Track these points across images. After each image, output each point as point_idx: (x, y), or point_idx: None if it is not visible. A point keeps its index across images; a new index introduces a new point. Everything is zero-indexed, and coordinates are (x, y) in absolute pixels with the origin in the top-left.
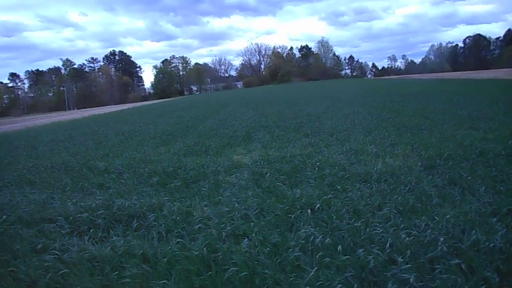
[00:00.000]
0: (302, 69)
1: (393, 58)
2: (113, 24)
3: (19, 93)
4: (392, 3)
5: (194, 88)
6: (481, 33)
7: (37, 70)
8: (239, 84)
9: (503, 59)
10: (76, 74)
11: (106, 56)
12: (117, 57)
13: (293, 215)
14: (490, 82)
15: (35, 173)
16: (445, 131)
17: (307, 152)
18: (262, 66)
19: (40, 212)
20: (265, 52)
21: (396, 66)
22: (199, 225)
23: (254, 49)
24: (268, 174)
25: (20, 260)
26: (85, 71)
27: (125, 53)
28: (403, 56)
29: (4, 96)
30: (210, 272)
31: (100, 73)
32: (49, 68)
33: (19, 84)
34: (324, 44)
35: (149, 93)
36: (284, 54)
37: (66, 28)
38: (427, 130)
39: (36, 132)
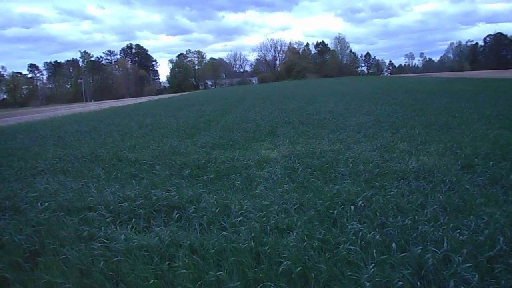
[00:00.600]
0: (317, 66)
1: (411, 56)
2: (130, 18)
3: (38, 84)
4: (410, 0)
5: (209, 82)
6: (501, 31)
7: (56, 61)
8: (254, 80)
9: None
10: (94, 66)
11: (123, 49)
12: (133, 51)
13: (335, 211)
14: None
15: (66, 162)
16: (476, 130)
17: (336, 148)
18: (277, 62)
19: (79, 201)
20: (280, 48)
21: (413, 64)
22: (240, 218)
23: (270, 44)
24: (300, 169)
25: (68, 247)
26: (102, 63)
27: (142, 47)
28: (421, 54)
29: (23, 87)
30: (263, 265)
31: (117, 66)
32: (67, 60)
33: (38, 75)
34: (340, 40)
35: (164, 87)
36: (300, 50)
37: (84, 21)
38: (457, 129)
39: (59, 122)
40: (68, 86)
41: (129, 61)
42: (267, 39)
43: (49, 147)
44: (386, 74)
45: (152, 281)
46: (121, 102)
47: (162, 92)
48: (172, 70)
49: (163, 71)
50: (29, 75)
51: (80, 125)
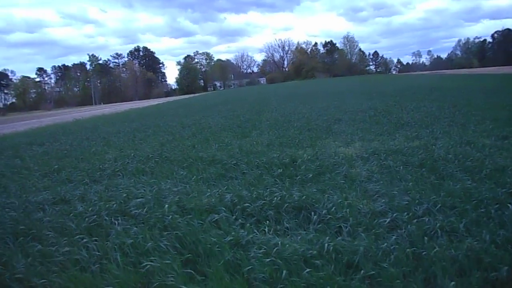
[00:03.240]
0: (327, 65)
1: (418, 54)
2: (132, 21)
3: (46, 87)
4: None
5: (218, 84)
6: (509, 28)
7: (63, 65)
8: (262, 80)
9: None
10: (101, 69)
11: (130, 52)
12: (141, 53)
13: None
14: None
15: (136, 162)
16: None
17: (415, 145)
18: (286, 62)
19: (189, 202)
20: (288, 48)
21: (420, 62)
22: (380, 219)
23: (278, 44)
24: (401, 167)
25: (227, 254)
26: (110, 66)
27: (149, 49)
28: (428, 52)
29: (31, 91)
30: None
31: (124, 69)
32: (74, 64)
33: (46, 79)
34: (349, 39)
35: (171, 88)
36: (308, 50)
37: (86, 25)
38: None
39: (90, 124)
40: (76, 90)
41: (137, 64)
42: (275, 39)
43: (99, 147)
44: (394, 72)
45: None
46: (133, 104)
47: (170, 94)
48: (180, 72)
49: (170, 74)
50: (37, 79)
51: (114, 126)
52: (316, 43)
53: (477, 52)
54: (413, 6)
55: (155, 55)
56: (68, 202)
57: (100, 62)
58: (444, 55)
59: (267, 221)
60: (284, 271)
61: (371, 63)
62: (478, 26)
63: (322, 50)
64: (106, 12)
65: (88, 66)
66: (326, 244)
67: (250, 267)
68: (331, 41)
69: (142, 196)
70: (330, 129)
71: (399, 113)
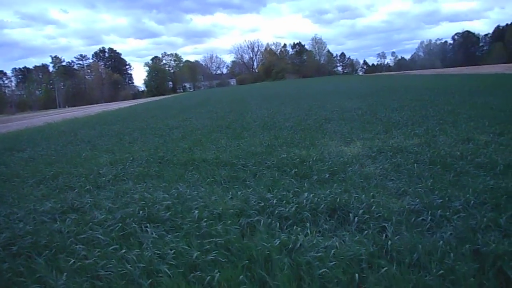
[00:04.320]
0: (296, 66)
1: (383, 55)
2: (95, 22)
3: (6, 91)
4: (375, 0)
5: (187, 85)
6: (466, 30)
7: (25, 67)
8: (232, 81)
9: (492, 55)
10: (65, 71)
11: (95, 53)
12: (106, 54)
13: None
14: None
15: (136, 166)
16: None
17: (417, 142)
18: (255, 63)
19: (217, 206)
20: (258, 49)
21: (385, 63)
22: (418, 218)
23: (247, 46)
24: (414, 165)
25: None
26: (74, 68)
27: (115, 50)
28: (393, 53)
29: None
30: None
31: (89, 71)
32: (36, 66)
33: (6, 82)
34: (318, 41)
35: (138, 90)
36: (278, 51)
37: (47, 26)
38: None
39: (66, 128)
40: (39, 93)
41: (102, 65)
42: (244, 40)
43: (88, 152)
44: (360, 73)
45: None
46: (102, 107)
47: (138, 96)
48: (149, 73)
49: (137, 75)
50: None
51: (94, 129)
52: (285, 44)
53: (439, 53)
54: (376, 8)
55: (122, 56)
56: (79, 210)
57: (64, 64)
58: (407, 56)
59: (308, 224)
60: (356, 274)
61: (338, 64)
62: (438, 28)
63: (291, 51)
64: (68, 12)
65: (51, 68)
66: (385, 243)
67: (324, 270)
68: (300, 42)
69: (162, 201)
70: (323, 129)
71: (385, 112)
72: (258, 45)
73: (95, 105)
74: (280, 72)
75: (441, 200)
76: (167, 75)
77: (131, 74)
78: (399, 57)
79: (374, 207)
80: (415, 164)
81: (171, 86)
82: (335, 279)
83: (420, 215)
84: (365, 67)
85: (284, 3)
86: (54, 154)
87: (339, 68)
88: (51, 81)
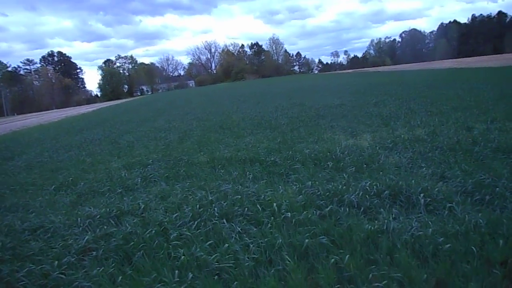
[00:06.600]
0: (255, 66)
1: (336, 54)
2: (38, 25)
3: None
4: (323, 1)
5: (145, 88)
6: (413, 28)
7: None
8: (191, 83)
9: (437, 51)
10: (11, 77)
11: (43, 57)
12: (55, 59)
13: None
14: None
15: (158, 168)
16: None
17: (424, 132)
18: (213, 65)
19: (279, 199)
20: (215, 50)
21: (339, 61)
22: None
23: (204, 47)
24: (436, 152)
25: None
26: (21, 74)
27: (64, 54)
28: (345, 52)
29: None
30: None
31: (37, 76)
32: None
33: None
34: (275, 41)
35: (91, 95)
36: (236, 52)
37: None
38: None
39: (40, 135)
40: None
41: (51, 70)
42: (201, 41)
43: (87, 157)
44: (316, 72)
45: None
46: (58, 113)
47: (92, 101)
48: (103, 77)
49: (89, 80)
50: None
51: (75, 136)
52: (242, 45)
53: (388, 51)
54: (324, 9)
55: (72, 60)
56: (131, 213)
57: (9, 69)
58: (359, 55)
59: (381, 209)
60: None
61: (294, 64)
62: (384, 27)
63: (249, 51)
64: (7, 15)
65: None
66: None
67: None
68: (257, 42)
69: (218, 200)
70: (320, 125)
71: (370, 107)
72: (215, 46)
73: (46, 112)
74: (239, 72)
75: (489, 179)
76: (122, 79)
77: (83, 79)
78: (352, 56)
79: (424, 191)
80: (436, 151)
81: (127, 89)
82: (454, 253)
83: (474, 195)
84: (320, 66)
85: (235, 4)
86: (52, 161)
87: (296, 68)
88: None
